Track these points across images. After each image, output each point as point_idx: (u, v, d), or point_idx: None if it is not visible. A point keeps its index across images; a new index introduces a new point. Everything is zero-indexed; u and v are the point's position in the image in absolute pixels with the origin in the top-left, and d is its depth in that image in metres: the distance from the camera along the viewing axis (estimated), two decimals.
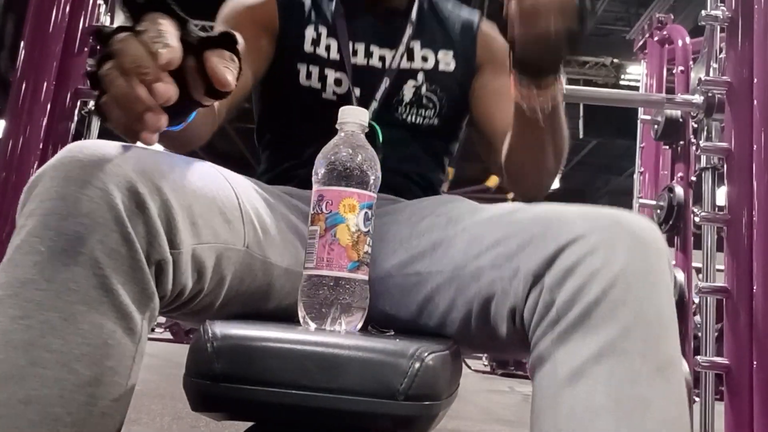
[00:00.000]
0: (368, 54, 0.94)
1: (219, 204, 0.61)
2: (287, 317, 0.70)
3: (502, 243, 0.61)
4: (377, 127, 0.86)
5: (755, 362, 1.20)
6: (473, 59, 0.99)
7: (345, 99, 0.90)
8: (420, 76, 0.94)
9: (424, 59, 0.96)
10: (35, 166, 1.27)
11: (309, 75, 0.91)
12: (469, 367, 7.61)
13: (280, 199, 0.81)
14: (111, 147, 0.53)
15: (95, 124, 1.53)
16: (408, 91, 0.93)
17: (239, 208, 0.64)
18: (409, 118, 0.93)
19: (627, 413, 0.48)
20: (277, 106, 0.98)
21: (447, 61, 0.97)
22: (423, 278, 0.70)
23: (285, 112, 0.96)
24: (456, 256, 0.67)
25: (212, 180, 0.62)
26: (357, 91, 0.91)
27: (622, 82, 7.37)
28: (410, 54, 0.95)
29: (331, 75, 0.91)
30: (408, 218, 0.81)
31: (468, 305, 0.64)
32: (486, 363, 8.06)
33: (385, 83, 0.92)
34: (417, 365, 0.50)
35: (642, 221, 0.56)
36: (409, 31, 0.96)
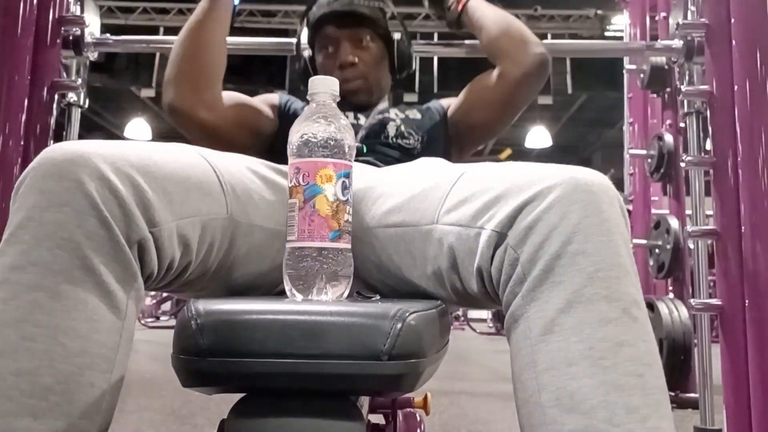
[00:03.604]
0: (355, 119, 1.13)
1: (195, 180, 0.65)
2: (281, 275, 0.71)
3: (468, 201, 0.64)
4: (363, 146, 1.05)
5: (747, 301, 1.21)
6: (440, 112, 1.19)
7: None
8: (397, 121, 1.13)
9: (396, 114, 1.16)
10: (18, 162, 1.27)
11: None
12: (474, 330, 7.71)
13: (262, 165, 0.83)
14: (83, 144, 0.57)
15: (76, 116, 1.52)
16: (391, 129, 1.11)
17: (218, 180, 0.68)
18: (396, 140, 1.10)
19: (601, 356, 0.51)
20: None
21: (414, 114, 1.17)
22: (400, 231, 0.72)
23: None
24: (428, 210, 0.69)
25: (185, 159, 0.66)
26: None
27: (607, 34, 7.29)
28: (384, 112, 1.15)
29: None
30: (388, 176, 0.84)
31: (438, 261, 0.66)
32: (491, 325, 8.13)
33: (369, 126, 1.10)
34: (399, 325, 0.51)
35: (594, 176, 0.59)
36: (380, 106, 1.17)
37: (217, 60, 1.05)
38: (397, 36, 1.22)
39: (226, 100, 1.07)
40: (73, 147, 0.56)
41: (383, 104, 1.19)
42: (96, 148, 0.57)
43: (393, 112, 1.15)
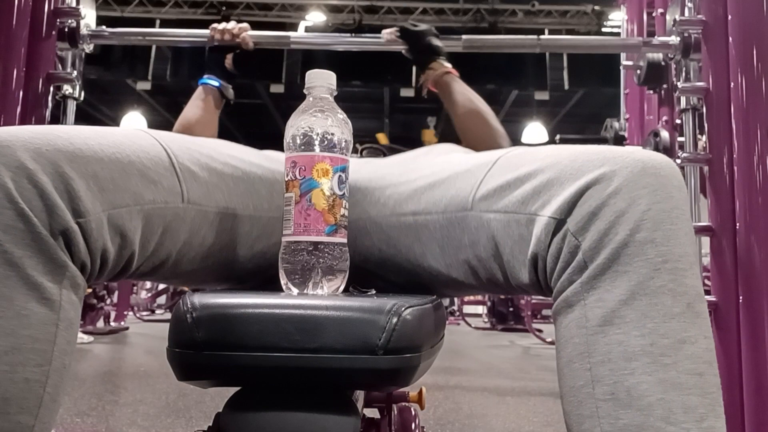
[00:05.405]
0: None
1: (139, 166, 0.61)
2: (265, 263, 0.71)
3: (514, 186, 0.61)
4: None
5: (741, 297, 1.22)
6: None
7: None
8: None
9: None
10: None
11: None
12: (469, 325, 7.72)
13: (244, 150, 0.80)
14: (7, 132, 0.54)
15: (71, 109, 1.51)
16: None
17: (172, 166, 0.64)
18: None
19: (662, 352, 0.50)
20: None
21: None
22: (420, 219, 0.69)
23: None
24: (458, 197, 0.66)
25: (133, 145, 0.62)
26: None
27: (604, 30, 7.29)
28: None
29: None
30: (399, 162, 0.82)
31: (475, 250, 0.64)
32: (486, 320, 8.15)
33: None
34: (394, 320, 0.51)
35: (661, 158, 0.56)
36: None
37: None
38: None
39: None
40: None
41: None
42: (22, 134, 0.54)
43: None
